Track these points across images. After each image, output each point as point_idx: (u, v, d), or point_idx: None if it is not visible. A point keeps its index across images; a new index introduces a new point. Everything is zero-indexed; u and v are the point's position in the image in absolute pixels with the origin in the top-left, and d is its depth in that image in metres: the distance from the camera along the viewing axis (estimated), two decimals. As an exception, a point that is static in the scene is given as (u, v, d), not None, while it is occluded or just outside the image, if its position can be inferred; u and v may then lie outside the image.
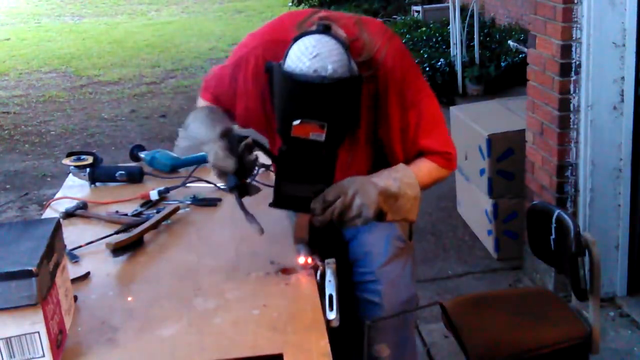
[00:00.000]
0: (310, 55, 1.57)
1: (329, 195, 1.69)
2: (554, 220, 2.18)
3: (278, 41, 1.76)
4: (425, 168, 1.86)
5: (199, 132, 1.83)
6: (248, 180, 1.76)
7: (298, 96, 1.60)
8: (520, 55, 6.45)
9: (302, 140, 1.61)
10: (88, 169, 2.39)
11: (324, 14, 1.84)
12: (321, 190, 1.68)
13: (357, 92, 1.66)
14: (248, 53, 1.88)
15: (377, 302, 2.01)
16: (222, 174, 1.73)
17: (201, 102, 2.03)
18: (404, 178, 1.79)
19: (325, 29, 1.63)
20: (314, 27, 1.66)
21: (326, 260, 1.73)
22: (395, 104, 1.81)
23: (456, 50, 6.76)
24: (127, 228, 1.99)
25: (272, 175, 1.95)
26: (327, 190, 1.69)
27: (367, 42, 1.77)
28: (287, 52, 1.62)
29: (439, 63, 6.78)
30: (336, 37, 1.62)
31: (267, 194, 2.12)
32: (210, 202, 2.18)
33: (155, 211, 2.12)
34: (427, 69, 6.73)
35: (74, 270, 1.76)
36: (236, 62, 1.92)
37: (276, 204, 1.72)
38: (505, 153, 3.63)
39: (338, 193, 1.70)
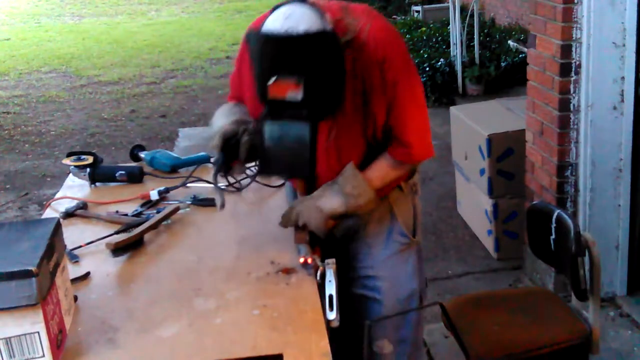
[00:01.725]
0: (282, 17, 1.61)
1: (284, 221, 1.85)
2: (554, 220, 2.18)
3: None
4: (378, 171, 1.88)
5: (218, 122, 1.93)
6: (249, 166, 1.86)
7: (270, 54, 1.63)
8: (520, 55, 6.45)
9: (281, 102, 1.63)
10: (88, 169, 2.39)
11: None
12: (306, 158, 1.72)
13: (333, 50, 1.67)
14: (244, 44, 1.92)
15: (378, 298, 2.01)
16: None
17: None
18: (354, 190, 1.82)
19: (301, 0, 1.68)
20: None
21: (326, 261, 1.73)
22: (377, 85, 1.82)
23: (456, 50, 6.75)
24: (127, 228, 1.99)
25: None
26: (283, 215, 1.84)
27: (350, 23, 1.79)
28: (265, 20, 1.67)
29: (439, 63, 6.77)
30: (312, 5, 1.67)
31: (272, 193, 2.13)
32: (210, 202, 2.17)
33: (155, 211, 2.12)
34: (427, 69, 6.73)
35: (74, 270, 1.76)
36: (238, 57, 1.99)
37: (262, 172, 1.81)
38: (505, 153, 3.63)
39: (287, 221, 1.84)
